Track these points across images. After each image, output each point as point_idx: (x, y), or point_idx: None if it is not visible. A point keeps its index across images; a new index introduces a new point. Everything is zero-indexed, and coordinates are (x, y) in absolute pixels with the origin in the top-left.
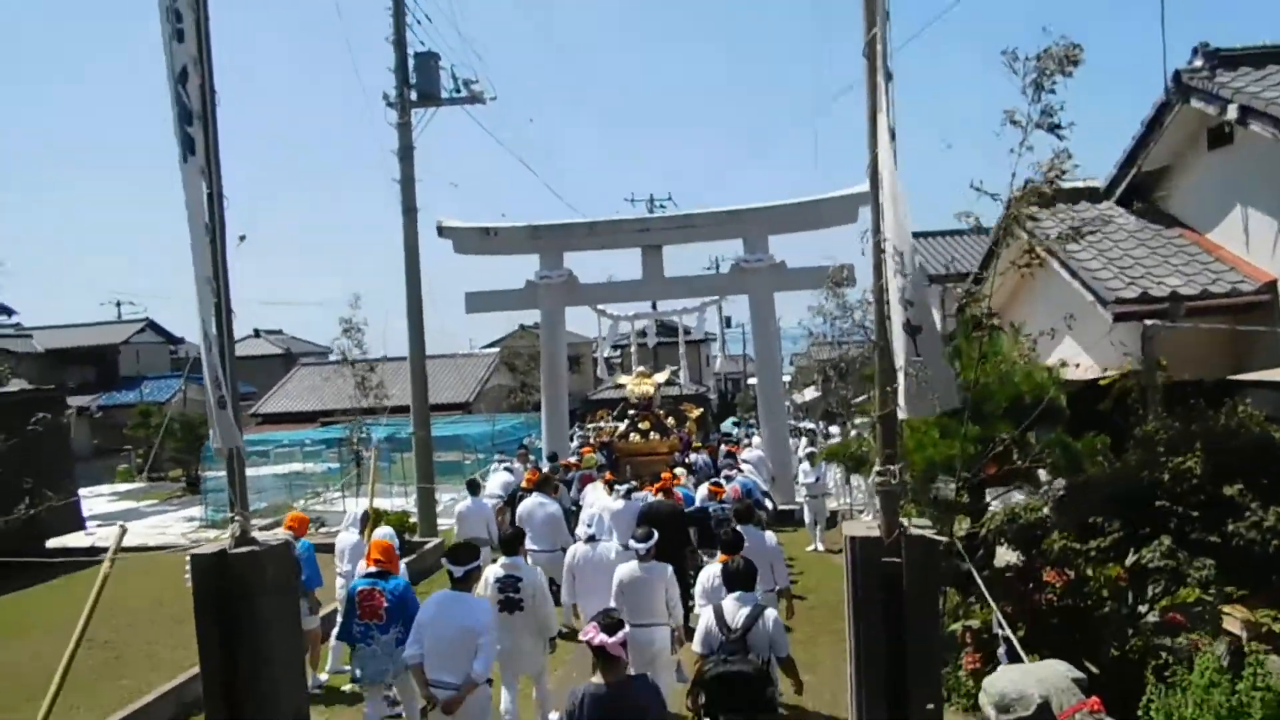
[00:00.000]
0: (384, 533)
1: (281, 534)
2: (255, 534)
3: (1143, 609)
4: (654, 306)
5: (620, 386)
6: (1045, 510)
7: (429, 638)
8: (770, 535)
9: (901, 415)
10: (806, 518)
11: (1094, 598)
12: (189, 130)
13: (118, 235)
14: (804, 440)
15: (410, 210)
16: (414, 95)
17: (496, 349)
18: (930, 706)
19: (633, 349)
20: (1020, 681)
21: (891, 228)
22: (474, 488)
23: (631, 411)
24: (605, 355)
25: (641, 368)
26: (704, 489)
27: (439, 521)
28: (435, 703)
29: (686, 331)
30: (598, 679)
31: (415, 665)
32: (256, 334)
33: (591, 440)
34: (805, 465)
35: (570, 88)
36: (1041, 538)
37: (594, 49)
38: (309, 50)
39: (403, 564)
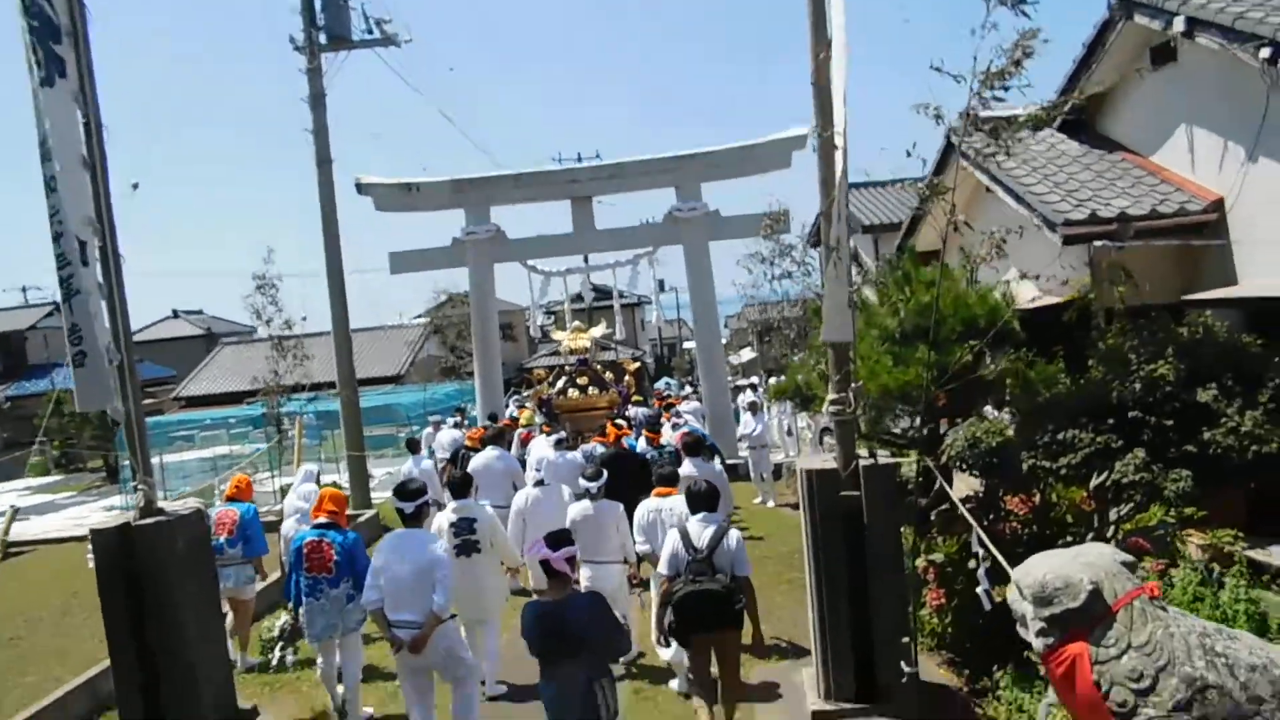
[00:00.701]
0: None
1: (192, 503)
2: (163, 504)
3: (1108, 533)
4: (586, 261)
5: (556, 344)
6: (1009, 432)
7: (386, 579)
8: (718, 463)
9: (823, 338)
10: (751, 472)
11: (1059, 524)
12: (55, 48)
13: (18, 220)
14: (746, 393)
15: (325, 162)
16: (323, 38)
17: (426, 319)
18: (905, 640)
19: (566, 309)
20: (1064, 567)
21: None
22: (414, 446)
23: (568, 368)
24: (539, 321)
25: (577, 323)
26: (642, 439)
27: (373, 495)
28: (401, 643)
29: (621, 295)
30: (548, 593)
31: (375, 610)
32: (175, 315)
33: (528, 400)
34: (747, 416)
35: (495, 35)
36: (1005, 462)
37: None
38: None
39: None
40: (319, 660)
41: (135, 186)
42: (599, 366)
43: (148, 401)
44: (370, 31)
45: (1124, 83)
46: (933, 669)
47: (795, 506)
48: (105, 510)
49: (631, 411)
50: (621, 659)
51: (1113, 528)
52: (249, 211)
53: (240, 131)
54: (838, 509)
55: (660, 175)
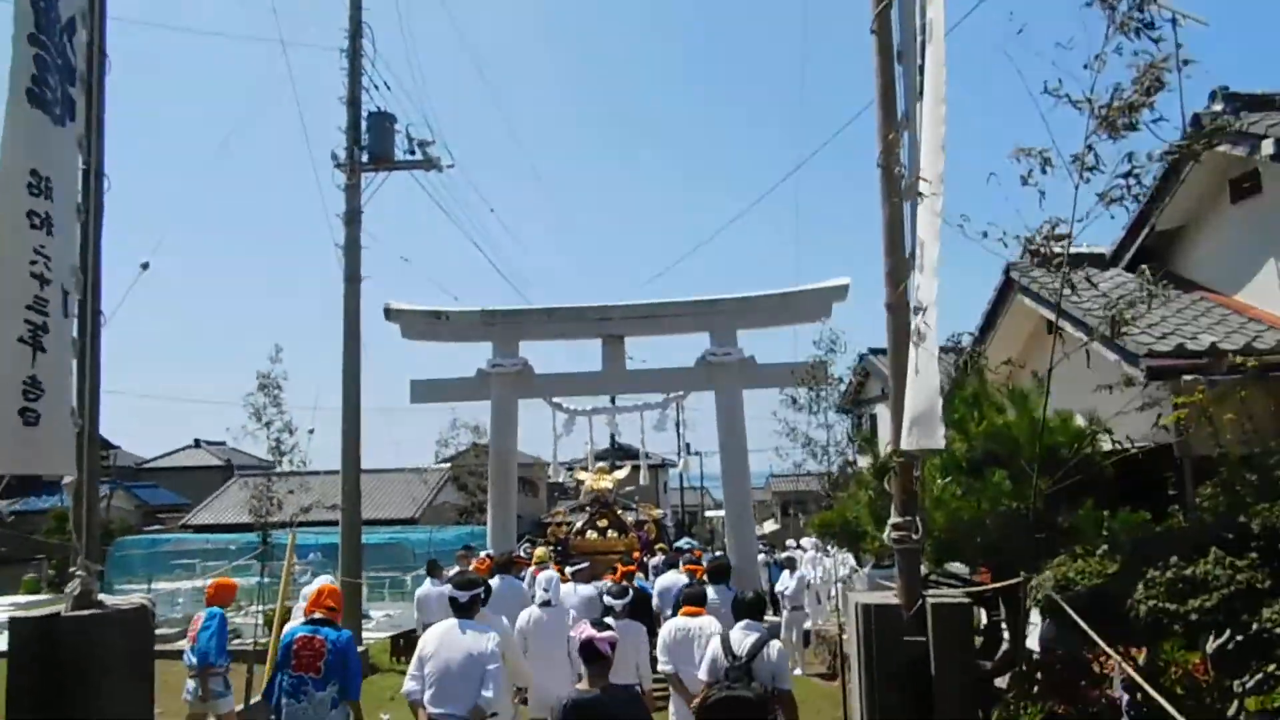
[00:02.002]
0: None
1: (137, 598)
2: (104, 597)
3: (1231, 711)
4: (613, 402)
5: (575, 495)
6: (1111, 570)
7: (432, 669)
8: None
9: (904, 444)
10: (782, 633)
11: (1167, 694)
12: (70, 91)
13: None
14: (780, 554)
15: (354, 279)
16: (365, 157)
17: (446, 464)
18: None
19: (590, 458)
20: None
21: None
22: (434, 569)
23: (588, 509)
24: (557, 466)
25: (601, 464)
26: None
27: (365, 634)
28: None
29: (647, 456)
30: (582, 685)
31: (413, 701)
32: (197, 444)
33: (546, 537)
34: (784, 574)
35: (536, 179)
36: (1105, 610)
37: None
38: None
39: None
40: None
41: (145, 266)
42: (619, 511)
43: (155, 527)
44: (412, 153)
45: (1201, 217)
46: None
47: (824, 677)
48: None
49: (653, 560)
50: None
51: (1236, 703)
52: (275, 336)
53: (270, 249)
54: (900, 656)
55: (694, 318)
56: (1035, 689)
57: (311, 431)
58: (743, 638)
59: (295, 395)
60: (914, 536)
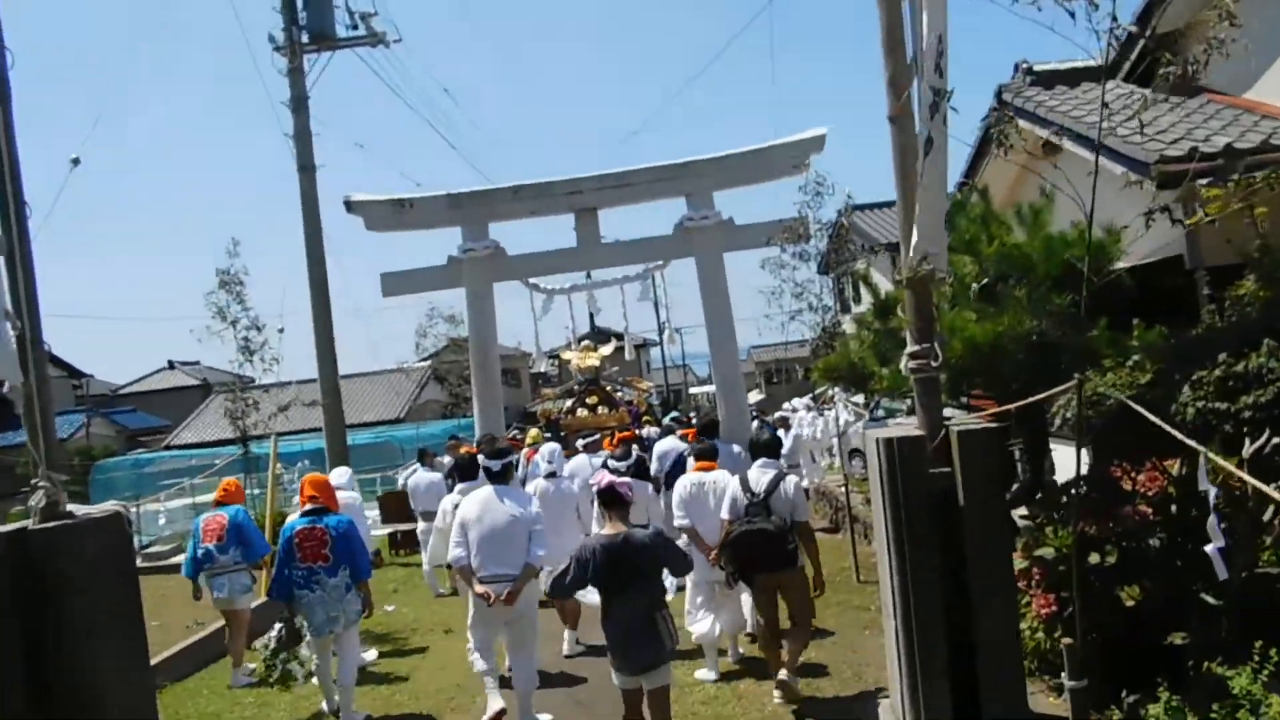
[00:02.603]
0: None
1: (111, 505)
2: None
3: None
4: (589, 277)
5: (564, 365)
6: (1143, 381)
7: (476, 535)
8: (737, 447)
9: (915, 264)
10: None
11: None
12: None
13: None
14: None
15: (307, 168)
16: (305, 37)
17: (428, 363)
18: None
19: (572, 342)
20: None
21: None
22: (425, 457)
23: (577, 387)
24: (541, 354)
25: (586, 342)
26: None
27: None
28: (492, 597)
29: (629, 333)
30: (607, 529)
31: (461, 567)
32: (171, 365)
33: (537, 419)
34: (781, 433)
35: (491, 41)
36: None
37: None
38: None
39: None
40: (314, 658)
41: (76, 162)
42: (608, 386)
43: (138, 451)
44: (355, 27)
45: (1206, 13)
46: (1039, 699)
47: (827, 530)
48: None
49: (645, 431)
50: None
51: (1272, 509)
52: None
53: (223, 148)
54: (925, 491)
55: (669, 183)
56: (1063, 513)
57: (281, 330)
58: (760, 476)
59: (262, 304)
60: (933, 364)
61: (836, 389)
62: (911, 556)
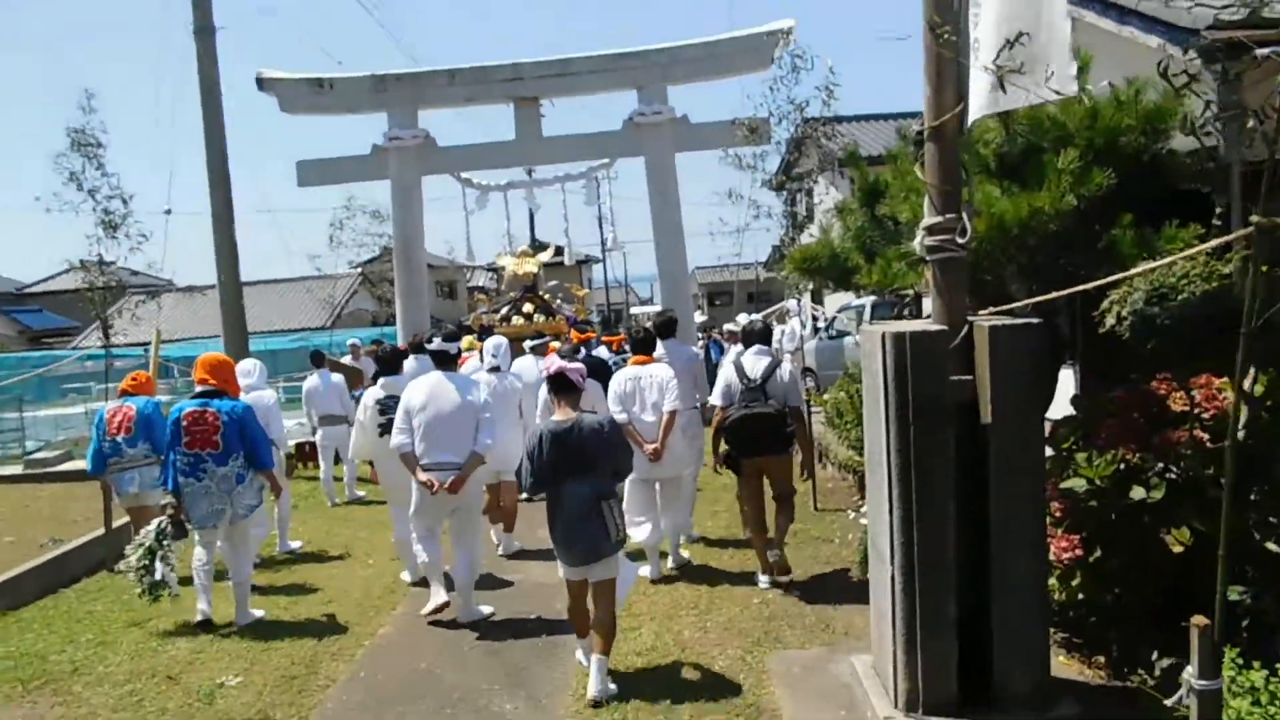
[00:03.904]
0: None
1: None
2: None
3: None
4: (530, 174)
5: (499, 272)
6: (1225, 272)
7: (422, 420)
8: (695, 348)
9: (977, 113)
10: None
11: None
12: None
13: None
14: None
15: (206, 30)
16: None
17: (358, 270)
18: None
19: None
20: None
21: None
22: (319, 359)
23: (513, 294)
24: (473, 255)
25: (524, 248)
26: (603, 347)
27: None
28: (436, 486)
29: (569, 241)
30: (557, 415)
31: (406, 453)
32: (83, 265)
33: (471, 327)
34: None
35: None
36: (1201, 327)
37: None
38: None
39: None
40: (196, 552)
41: None
42: (545, 295)
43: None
44: None
45: None
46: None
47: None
48: None
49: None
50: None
51: None
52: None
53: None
54: (941, 401)
55: (619, 74)
56: (1103, 435)
57: (169, 211)
58: (755, 362)
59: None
60: (959, 240)
61: (795, 301)
62: (919, 484)
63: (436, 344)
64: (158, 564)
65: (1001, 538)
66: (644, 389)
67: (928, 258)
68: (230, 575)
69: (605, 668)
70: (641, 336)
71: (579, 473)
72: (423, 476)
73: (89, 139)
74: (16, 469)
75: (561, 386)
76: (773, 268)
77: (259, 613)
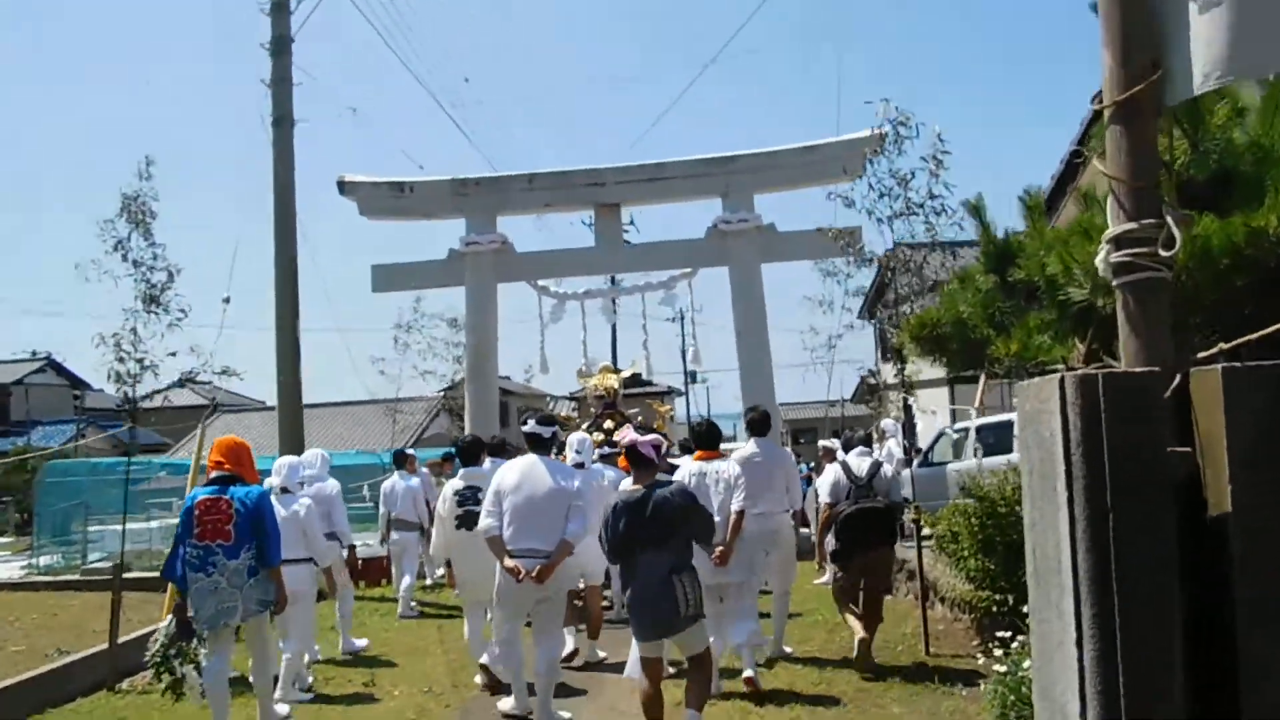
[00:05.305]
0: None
1: None
2: None
3: None
4: (613, 282)
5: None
6: None
7: (512, 504)
8: (789, 452)
9: (1203, 81)
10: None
11: None
12: None
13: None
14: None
15: (285, 120)
16: None
17: (440, 393)
18: None
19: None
20: None
21: None
22: (402, 460)
23: (593, 410)
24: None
25: (605, 363)
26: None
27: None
28: (522, 574)
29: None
30: (631, 485)
31: (492, 537)
32: (182, 384)
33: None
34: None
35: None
36: None
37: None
38: None
39: None
40: (207, 661)
41: None
42: (626, 411)
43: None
44: None
45: None
46: None
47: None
48: (20, 568)
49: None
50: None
51: None
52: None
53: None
54: (1157, 470)
55: (704, 179)
56: None
57: (227, 300)
58: (860, 462)
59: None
60: (1161, 253)
61: (892, 420)
62: (1126, 600)
63: (530, 426)
64: (176, 662)
65: (1253, 674)
66: (708, 485)
67: (1114, 281)
68: (252, 678)
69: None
70: (704, 430)
71: (653, 544)
72: (509, 563)
73: (142, 207)
74: (73, 576)
75: (634, 460)
76: (860, 400)
77: (284, 708)
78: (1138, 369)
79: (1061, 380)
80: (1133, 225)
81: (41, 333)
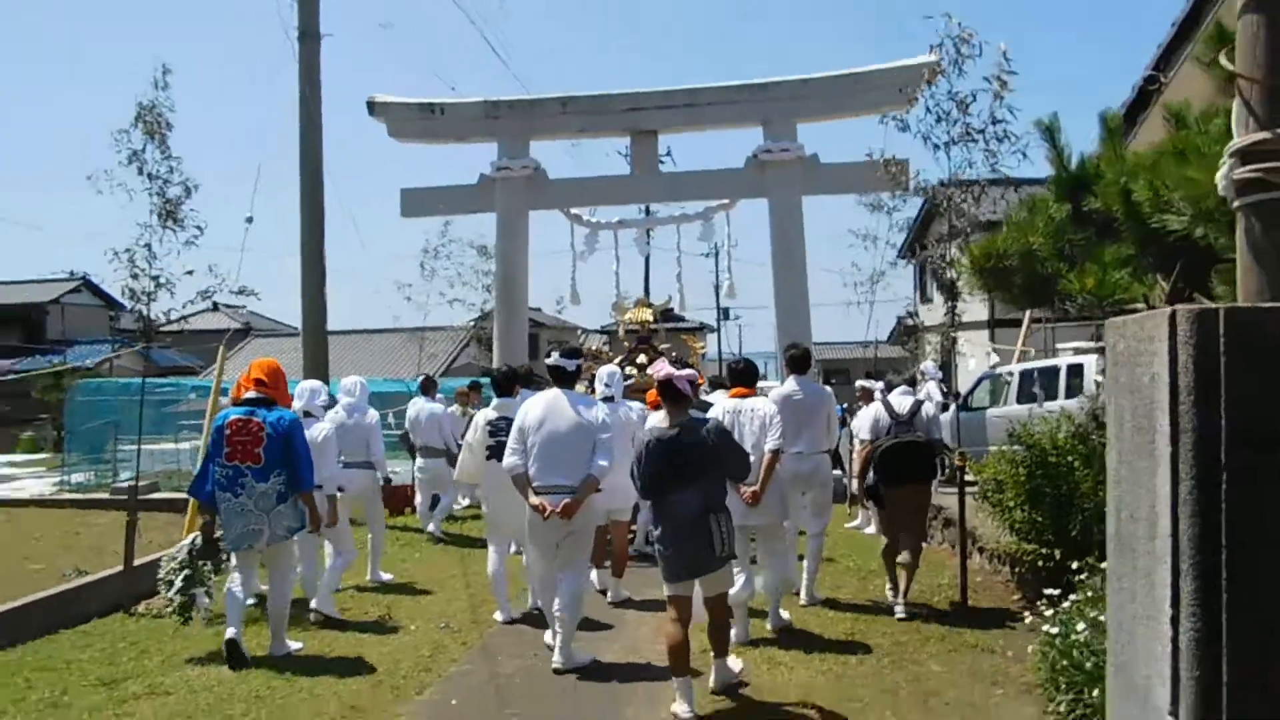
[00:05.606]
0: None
1: None
2: None
3: None
4: (647, 211)
5: (612, 333)
6: None
7: (537, 440)
8: (830, 391)
9: None
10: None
11: None
12: None
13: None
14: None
15: (310, 36)
16: None
17: (471, 323)
18: None
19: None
20: None
21: None
22: (429, 386)
23: (627, 344)
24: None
25: (639, 296)
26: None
27: None
28: (548, 510)
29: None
30: (664, 421)
31: (517, 475)
32: (215, 307)
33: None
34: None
35: None
36: None
37: None
38: None
39: None
40: (231, 576)
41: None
42: (660, 345)
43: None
44: None
45: None
46: None
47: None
48: (51, 485)
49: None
50: None
51: None
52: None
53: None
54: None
55: (744, 106)
56: None
57: (250, 220)
58: (901, 400)
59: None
60: None
61: (931, 362)
62: (1235, 566)
63: (554, 359)
64: (190, 584)
65: None
66: (742, 424)
67: (1235, 202)
68: (268, 603)
69: (724, 666)
70: (742, 367)
71: (686, 482)
72: (535, 500)
73: (157, 117)
74: (102, 495)
75: (668, 395)
76: (897, 341)
77: (296, 645)
78: (1265, 304)
79: (1173, 315)
80: (1265, 135)
81: (81, 259)
